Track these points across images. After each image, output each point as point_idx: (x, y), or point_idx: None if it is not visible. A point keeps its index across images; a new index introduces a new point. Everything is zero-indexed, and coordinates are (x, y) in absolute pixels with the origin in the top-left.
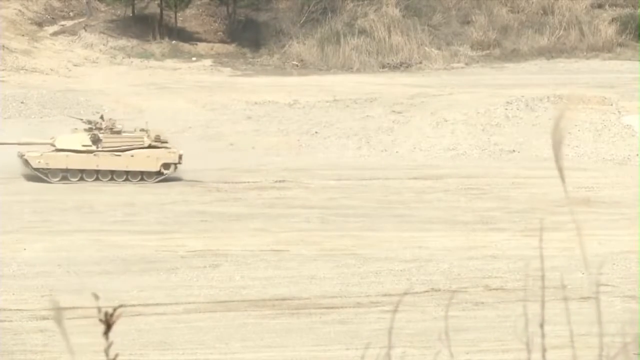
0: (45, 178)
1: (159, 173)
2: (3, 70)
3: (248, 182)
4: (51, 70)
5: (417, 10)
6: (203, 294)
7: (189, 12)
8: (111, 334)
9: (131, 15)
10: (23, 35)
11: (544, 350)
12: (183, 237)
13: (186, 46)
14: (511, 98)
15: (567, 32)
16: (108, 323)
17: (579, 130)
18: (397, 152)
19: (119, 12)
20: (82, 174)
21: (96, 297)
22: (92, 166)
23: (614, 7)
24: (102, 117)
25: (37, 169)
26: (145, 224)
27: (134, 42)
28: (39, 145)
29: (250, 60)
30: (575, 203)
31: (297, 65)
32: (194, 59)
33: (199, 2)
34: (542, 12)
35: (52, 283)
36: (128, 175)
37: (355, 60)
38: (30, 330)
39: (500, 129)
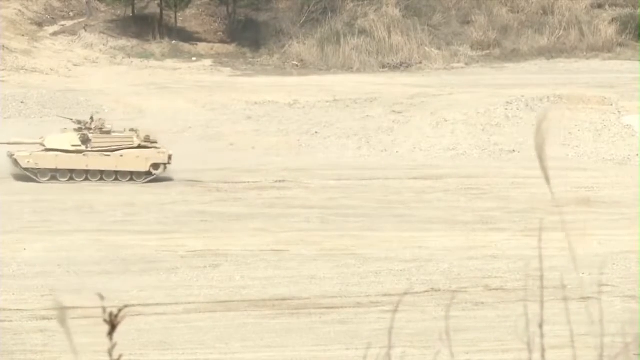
0: (34, 178)
1: (148, 173)
2: (3, 70)
3: (248, 182)
4: (51, 70)
5: (417, 10)
6: (203, 294)
7: (189, 12)
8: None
9: (131, 15)
10: (23, 35)
11: (543, 350)
12: (183, 237)
13: (186, 46)
14: (511, 98)
15: (567, 32)
16: (112, 324)
17: (579, 130)
18: (397, 152)
19: (119, 12)
20: (72, 174)
21: (101, 297)
22: (81, 166)
23: (614, 7)
24: (91, 117)
25: (26, 169)
26: (145, 224)
27: (134, 42)
28: (28, 145)
29: (250, 60)
30: (563, 204)
31: (297, 65)
32: (194, 59)
33: (199, 2)
34: (542, 12)
35: (52, 283)
36: (117, 176)
37: (355, 60)
38: (30, 330)
39: (500, 129)
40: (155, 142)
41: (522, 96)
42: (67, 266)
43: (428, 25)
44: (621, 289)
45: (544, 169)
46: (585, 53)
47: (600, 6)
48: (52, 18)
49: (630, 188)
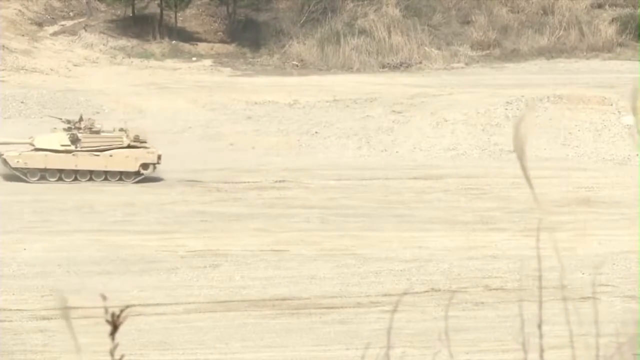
0: (24, 177)
1: (137, 173)
2: (3, 70)
3: (248, 182)
4: (51, 70)
5: (417, 10)
6: (203, 294)
7: (189, 12)
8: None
9: (131, 15)
10: (23, 35)
11: (541, 350)
12: (183, 237)
13: (186, 46)
14: (511, 98)
15: (567, 32)
16: (115, 324)
17: (579, 130)
18: (397, 152)
19: (119, 12)
20: (61, 174)
21: (104, 297)
22: (70, 166)
23: (614, 7)
24: (80, 117)
25: (15, 169)
26: (145, 224)
27: (134, 42)
28: (18, 145)
29: (250, 60)
30: (543, 209)
31: (297, 65)
32: (194, 59)
33: (199, 2)
34: (542, 12)
35: (52, 283)
36: (106, 175)
37: (355, 60)
38: (30, 330)
39: (500, 129)
40: (145, 142)
41: (522, 96)
42: (67, 266)
43: (428, 25)
44: (621, 289)
45: (525, 172)
46: (585, 53)
47: (600, 6)
48: (52, 18)
49: (630, 188)
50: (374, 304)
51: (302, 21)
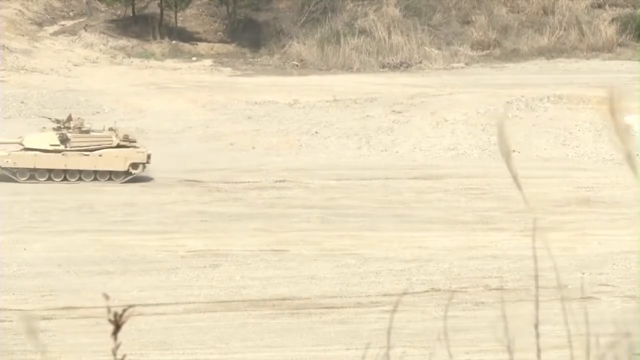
0: (13, 177)
1: (127, 173)
2: (3, 70)
3: (248, 182)
4: (51, 70)
5: (417, 10)
6: (203, 294)
7: (189, 12)
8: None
9: (131, 15)
10: (23, 35)
11: (539, 350)
12: (183, 237)
13: (186, 46)
14: (511, 98)
15: (567, 32)
16: (117, 324)
17: (579, 130)
18: (397, 152)
19: (119, 12)
20: (50, 174)
21: (106, 297)
22: (60, 166)
23: (614, 7)
24: (69, 117)
25: (5, 168)
26: (145, 224)
27: (134, 42)
28: (7, 145)
29: (250, 60)
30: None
31: (297, 65)
32: (194, 58)
33: (199, 2)
34: (542, 12)
35: (52, 283)
36: (96, 175)
37: (355, 60)
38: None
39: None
40: (134, 142)
41: (522, 96)
42: (67, 266)
43: (428, 25)
44: (621, 289)
45: (510, 169)
46: (585, 53)
47: (600, 6)
48: (52, 18)
49: (630, 188)
50: (374, 304)
51: (302, 21)
